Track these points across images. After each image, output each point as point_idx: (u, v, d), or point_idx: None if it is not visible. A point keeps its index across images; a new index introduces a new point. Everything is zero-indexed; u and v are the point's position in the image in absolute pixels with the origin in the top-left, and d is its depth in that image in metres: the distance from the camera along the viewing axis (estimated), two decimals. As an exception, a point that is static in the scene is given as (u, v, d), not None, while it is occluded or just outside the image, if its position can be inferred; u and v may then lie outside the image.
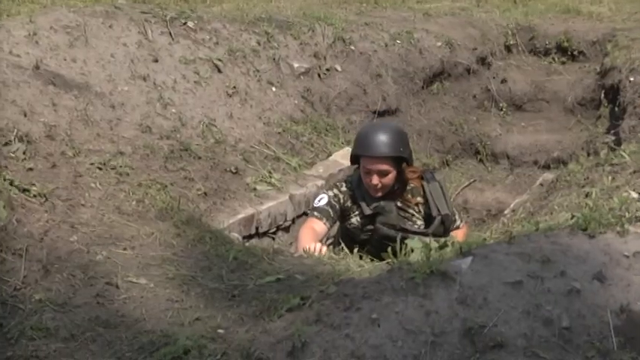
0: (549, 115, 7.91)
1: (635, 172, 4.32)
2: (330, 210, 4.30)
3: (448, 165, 7.56)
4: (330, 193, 4.36)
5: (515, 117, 8.01)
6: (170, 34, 6.04)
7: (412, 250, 3.32)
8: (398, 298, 2.61)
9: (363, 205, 4.31)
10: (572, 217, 3.45)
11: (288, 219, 5.21)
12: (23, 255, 3.17)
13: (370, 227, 4.34)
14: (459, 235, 4.45)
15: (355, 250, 3.98)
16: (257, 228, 4.92)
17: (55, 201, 3.69)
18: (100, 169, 4.22)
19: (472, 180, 7.43)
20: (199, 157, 5.00)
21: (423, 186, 4.37)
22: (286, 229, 5.26)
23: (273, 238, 5.14)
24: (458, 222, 4.57)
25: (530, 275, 2.67)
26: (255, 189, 5.08)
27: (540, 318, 2.53)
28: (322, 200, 4.34)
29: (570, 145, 7.22)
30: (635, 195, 3.73)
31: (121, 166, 4.32)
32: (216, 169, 5.01)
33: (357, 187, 4.36)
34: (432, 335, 2.48)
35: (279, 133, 5.91)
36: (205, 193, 4.72)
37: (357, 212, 4.37)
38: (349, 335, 2.51)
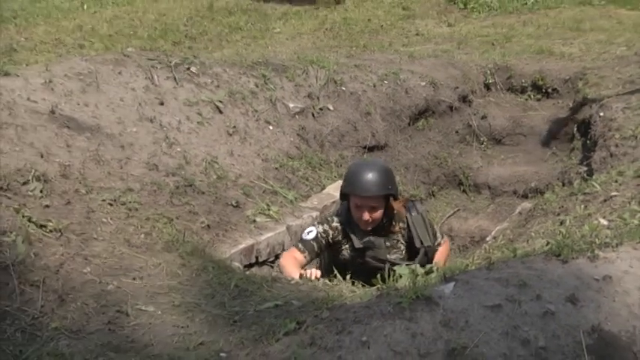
0: (527, 148, 7.96)
1: (605, 200, 4.36)
2: (314, 245, 4.33)
3: (434, 196, 7.59)
4: (320, 229, 4.38)
5: (495, 150, 8.06)
6: (175, 78, 6.10)
7: (400, 276, 3.36)
8: (386, 321, 2.63)
9: (354, 238, 4.33)
10: (547, 243, 3.49)
11: (285, 248, 5.19)
12: (40, 286, 3.18)
13: (360, 260, 4.36)
14: (441, 252, 4.53)
15: (348, 277, 4.01)
16: (257, 257, 4.92)
17: (70, 235, 3.71)
18: (111, 205, 4.23)
19: (456, 209, 7.45)
20: (203, 193, 5.02)
21: (406, 217, 4.40)
22: (284, 258, 5.27)
23: (272, 267, 5.15)
24: (439, 239, 4.60)
25: (509, 299, 2.70)
26: (254, 221, 5.10)
27: (518, 338, 2.55)
28: (310, 234, 4.36)
29: (546, 176, 7.26)
30: (604, 222, 3.77)
31: (130, 202, 4.34)
32: (218, 203, 5.03)
33: (346, 222, 4.38)
34: (418, 356, 2.50)
35: (276, 168, 5.93)
36: (208, 226, 4.73)
37: (347, 245, 4.39)
38: (341, 357, 2.53)
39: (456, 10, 12.11)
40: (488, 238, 5.88)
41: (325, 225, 4.41)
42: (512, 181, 7.54)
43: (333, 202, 5.71)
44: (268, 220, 5.19)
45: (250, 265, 4.87)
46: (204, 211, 4.83)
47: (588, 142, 6.70)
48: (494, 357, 2.49)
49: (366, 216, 4.20)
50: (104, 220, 4.04)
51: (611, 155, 5.79)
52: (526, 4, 11.95)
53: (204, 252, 4.14)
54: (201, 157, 5.44)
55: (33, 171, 4.08)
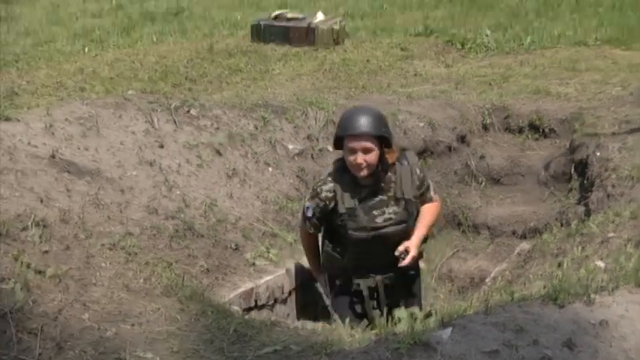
0: (525, 188, 7.95)
1: (602, 242, 4.37)
2: (315, 220, 4.50)
3: (433, 236, 7.56)
4: (313, 204, 4.43)
5: (493, 190, 8.05)
6: (174, 121, 6.15)
7: (399, 320, 3.37)
8: (384, 368, 2.63)
9: (340, 202, 4.32)
10: (544, 287, 3.50)
11: (285, 292, 5.20)
12: (38, 334, 3.18)
13: (343, 232, 4.38)
14: (429, 209, 4.53)
15: (347, 320, 3.99)
16: (256, 301, 4.91)
17: (69, 281, 3.71)
18: (110, 249, 4.24)
19: (455, 250, 7.44)
20: (202, 236, 5.03)
21: (395, 168, 4.36)
22: (284, 301, 5.26)
23: (272, 310, 5.14)
24: (431, 194, 4.58)
25: (506, 344, 2.70)
26: (254, 264, 5.10)
27: (516, 385, 2.56)
28: (309, 211, 4.47)
29: (545, 216, 7.23)
30: (601, 265, 3.78)
31: (129, 246, 4.35)
32: (217, 247, 5.04)
33: (340, 176, 4.35)
34: (416, 403, 2.50)
35: (276, 210, 5.94)
36: (208, 270, 4.73)
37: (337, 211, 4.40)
38: (339, 405, 2.52)
39: (454, 50, 12.18)
40: (487, 280, 5.88)
41: (316, 199, 4.41)
42: (511, 221, 7.52)
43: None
44: (268, 263, 5.19)
45: (249, 309, 4.86)
46: (203, 255, 4.84)
47: (585, 182, 6.72)
48: (492, 404, 2.49)
49: (360, 158, 4.11)
50: (103, 265, 4.05)
51: (608, 196, 5.81)
52: (523, 44, 12.03)
53: (203, 296, 4.14)
54: (200, 200, 5.46)
55: (32, 216, 4.10)
